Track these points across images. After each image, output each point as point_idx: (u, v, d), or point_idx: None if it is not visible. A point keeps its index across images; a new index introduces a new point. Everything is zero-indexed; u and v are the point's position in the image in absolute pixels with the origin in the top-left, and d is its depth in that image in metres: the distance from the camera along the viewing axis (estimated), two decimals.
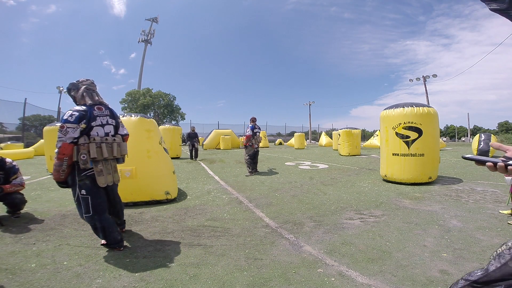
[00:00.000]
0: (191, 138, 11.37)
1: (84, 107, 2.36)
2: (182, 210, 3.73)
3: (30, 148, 14.66)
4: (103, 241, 2.50)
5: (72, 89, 2.50)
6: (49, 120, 25.12)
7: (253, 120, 7.34)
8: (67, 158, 2.22)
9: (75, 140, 2.26)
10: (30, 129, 25.45)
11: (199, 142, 12.09)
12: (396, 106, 5.55)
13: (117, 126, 2.62)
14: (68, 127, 2.22)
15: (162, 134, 4.79)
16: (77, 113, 2.27)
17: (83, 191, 2.31)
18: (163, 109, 35.86)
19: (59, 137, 2.21)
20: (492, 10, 0.98)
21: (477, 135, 12.08)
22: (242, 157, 9.09)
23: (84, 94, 2.45)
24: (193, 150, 11.35)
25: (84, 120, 2.30)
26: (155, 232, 2.91)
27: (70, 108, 2.35)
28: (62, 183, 2.35)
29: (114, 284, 1.88)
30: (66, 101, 48.68)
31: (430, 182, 5.40)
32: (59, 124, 8.63)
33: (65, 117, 2.26)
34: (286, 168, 8.30)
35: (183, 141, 22.20)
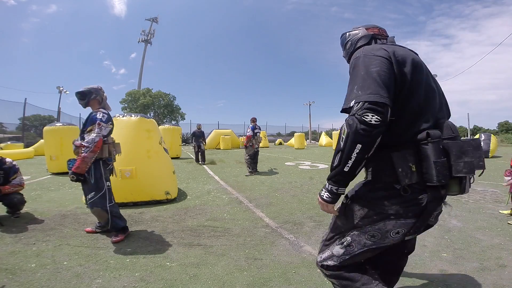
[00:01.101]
0: (197, 138, 9.95)
1: (107, 111, 2.68)
2: (182, 210, 3.73)
3: (30, 148, 14.64)
4: (117, 238, 2.61)
5: (95, 93, 2.70)
6: (49, 120, 25.06)
7: (254, 120, 7.37)
8: (98, 151, 2.46)
9: (105, 138, 2.56)
10: (30, 129, 25.40)
11: (205, 142, 10.26)
12: None
13: None
14: (102, 126, 2.52)
15: (162, 134, 4.79)
16: (106, 115, 2.60)
17: (108, 183, 2.62)
18: (163, 109, 35.81)
19: (97, 133, 2.45)
20: (343, 56, 1.26)
21: (477, 135, 12.12)
22: (242, 157, 9.09)
23: (105, 102, 2.79)
24: (199, 152, 9.84)
25: (110, 122, 2.65)
26: (155, 232, 2.91)
27: (98, 110, 2.62)
28: (81, 176, 2.46)
29: (114, 284, 1.88)
30: (66, 101, 48.88)
31: None
32: (59, 124, 8.59)
33: (99, 117, 2.53)
34: (286, 168, 8.30)
35: (184, 140, 22.15)
